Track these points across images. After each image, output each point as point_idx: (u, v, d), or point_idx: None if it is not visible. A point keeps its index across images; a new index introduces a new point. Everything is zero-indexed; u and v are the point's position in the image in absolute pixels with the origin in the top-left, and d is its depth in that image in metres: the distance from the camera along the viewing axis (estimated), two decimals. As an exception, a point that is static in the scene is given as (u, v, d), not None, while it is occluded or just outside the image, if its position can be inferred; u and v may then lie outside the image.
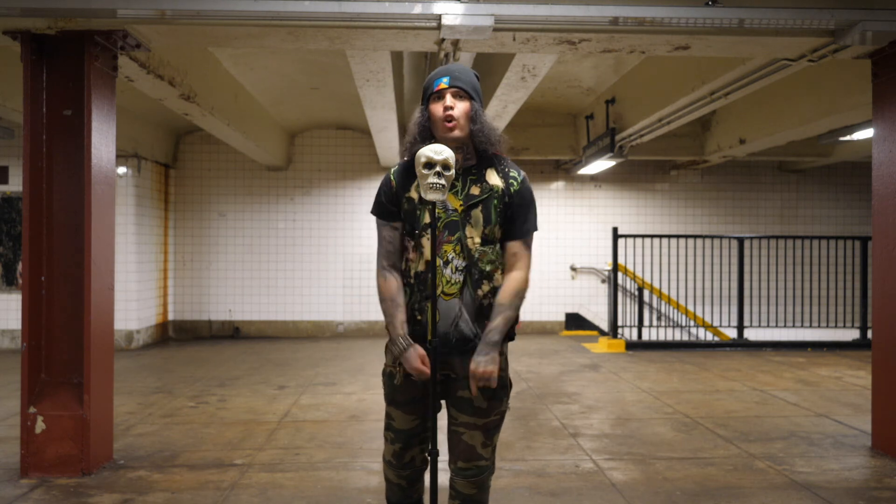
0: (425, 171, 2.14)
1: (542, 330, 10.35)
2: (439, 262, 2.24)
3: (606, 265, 9.98)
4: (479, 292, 2.25)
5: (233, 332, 9.96)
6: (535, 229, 2.36)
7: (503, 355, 2.37)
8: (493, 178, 2.31)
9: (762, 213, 10.64)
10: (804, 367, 7.25)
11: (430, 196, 2.13)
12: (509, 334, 2.33)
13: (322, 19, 3.79)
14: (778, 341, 8.64)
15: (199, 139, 9.86)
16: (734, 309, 9.15)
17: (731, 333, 9.30)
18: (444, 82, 2.28)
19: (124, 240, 8.48)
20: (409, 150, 2.33)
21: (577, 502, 3.41)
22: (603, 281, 10.36)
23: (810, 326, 9.03)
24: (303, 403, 5.54)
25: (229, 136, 7.66)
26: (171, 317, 9.86)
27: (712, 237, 9.28)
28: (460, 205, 2.27)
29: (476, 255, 2.25)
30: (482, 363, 2.22)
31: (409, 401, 2.34)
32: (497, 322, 2.25)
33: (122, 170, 8.60)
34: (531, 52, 4.58)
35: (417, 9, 3.76)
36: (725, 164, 10.29)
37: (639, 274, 9.51)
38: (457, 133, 2.27)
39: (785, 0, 3.89)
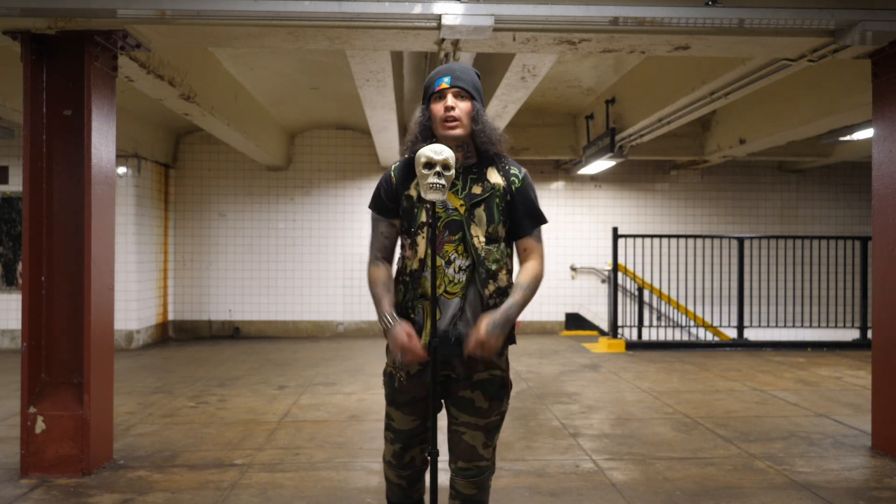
0: (425, 171, 2.14)
1: (542, 330, 10.35)
2: (441, 261, 2.23)
3: (606, 265, 9.97)
4: (486, 291, 2.25)
5: (233, 332, 9.96)
6: (545, 221, 2.37)
7: (504, 356, 2.36)
8: (495, 177, 2.31)
9: (762, 213, 10.64)
10: (804, 367, 7.25)
11: (430, 196, 2.13)
12: (510, 337, 2.32)
13: (322, 19, 3.79)
14: (778, 341, 8.64)
15: (199, 139, 9.86)
16: (734, 309, 9.15)
17: (731, 333, 9.30)
18: (445, 82, 2.27)
19: (124, 240, 8.48)
20: (411, 150, 2.32)
21: (577, 502, 3.41)
22: (603, 281, 10.36)
23: (810, 326, 9.03)
24: (303, 403, 5.54)
25: (229, 136, 7.65)
26: (171, 317, 9.86)
27: (712, 237, 9.28)
28: (461, 204, 2.26)
29: (482, 255, 2.24)
30: (493, 334, 2.16)
31: (409, 401, 2.33)
32: (517, 298, 2.23)
33: (122, 170, 8.60)
34: (531, 52, 4.58)
35: (417, 9, 3.76)
36: (725, 164, 10.28)
37: (639, 274, 9.51)
38: (458, 132, 2.26)
39: (785, 0, 3.89)
